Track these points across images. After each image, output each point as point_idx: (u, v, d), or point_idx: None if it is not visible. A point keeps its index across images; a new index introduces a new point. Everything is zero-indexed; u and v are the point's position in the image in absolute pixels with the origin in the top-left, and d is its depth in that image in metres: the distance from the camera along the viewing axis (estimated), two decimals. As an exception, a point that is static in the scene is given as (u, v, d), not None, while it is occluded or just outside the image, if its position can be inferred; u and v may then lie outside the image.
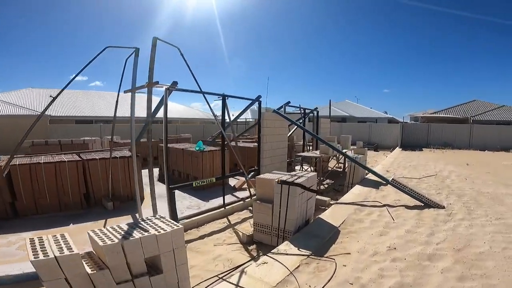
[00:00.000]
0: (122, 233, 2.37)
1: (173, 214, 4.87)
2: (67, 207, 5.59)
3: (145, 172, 10.23)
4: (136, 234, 2.37)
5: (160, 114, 5.41)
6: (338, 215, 4.82)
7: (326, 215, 4.85)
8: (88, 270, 2.10)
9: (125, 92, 4.87)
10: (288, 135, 10.16)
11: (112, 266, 2.17)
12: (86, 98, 24.88)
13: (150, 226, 2.59)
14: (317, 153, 8.69)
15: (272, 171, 7.61)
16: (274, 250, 3.57)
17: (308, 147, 10.97)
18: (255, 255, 3.91)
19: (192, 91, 5.29)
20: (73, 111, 21.39)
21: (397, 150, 18.07)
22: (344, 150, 9.91)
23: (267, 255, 3.41)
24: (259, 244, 4.25)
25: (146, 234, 2.39)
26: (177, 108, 27.62)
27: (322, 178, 9.12)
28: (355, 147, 11.96)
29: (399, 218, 4.58)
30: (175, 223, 2.68)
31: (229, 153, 8.05)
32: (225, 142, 6.30)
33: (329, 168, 10.23)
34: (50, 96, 20.88)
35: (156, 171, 10.19)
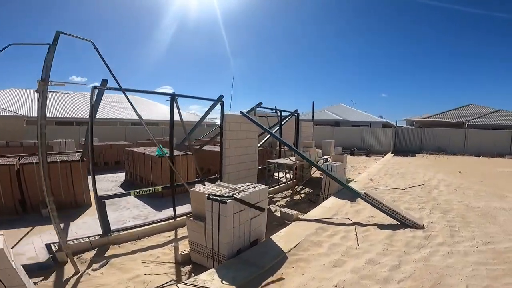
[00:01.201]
0: None
1: (105, 227, 4.33)
2: (-1, 212, 5.03)
3: (112, 177, 9.59)
4: None
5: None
6: (294, 236, 3.99)
7: (279, 236, 4.02)
8: None
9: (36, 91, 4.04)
10: (266, 139, 9.37)
11: None
12: (72, 99, 24.07)
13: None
14: (292, 160, 7.88)
15: (237, 179, 6.87)
16: (191, 280, 2.86)
17: (289, 153, 10.16)
18: (183, 279, 3.21)
19: (123, 89, 4.48)
20: (55, 112, 20.60)
21: (389, 155, 17.29)
22: (325, 157, 9.12)
23: (178, 285, 2.72)
24: (196, 266, 3.57)
25: None
26: (162, 110, 26.78)
27: (298, 187, 8.32)
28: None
29: (365, 242, 3.75)
30: None
31: (193, 158, 7.32)
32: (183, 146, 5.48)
33: (312, 175, 9.43)
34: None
35: (122, 176, 9.43)
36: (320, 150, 9.10)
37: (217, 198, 3.24)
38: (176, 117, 5.66)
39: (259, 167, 8.23)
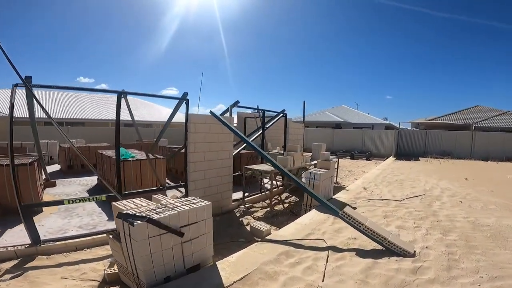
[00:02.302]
0: None
1: (33, 236, 3.90)
2: None
3: (85, 181, 8.87)
4: None
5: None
6: (247, 263, 3.13)
7: (229, 262, 3.17)
8: None
9: None
10: (255, 137, 8.53)
11: None
12: (64, 99, 23.59)
13: None
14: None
15: (207, 187, 6.05)
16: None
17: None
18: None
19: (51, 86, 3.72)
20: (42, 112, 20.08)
21: (390, 159, 16.28)
22: (314, 162, 8.23)
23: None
24: (124, 287, 3.01)
25: None
26: (161, 112, 26.19)
27: (284, 196, 7.44)
28: (332, 157, 10.13)
29: (333, 277, 2.87)
30: None
31: (162, 161, 6.58)
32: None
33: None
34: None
35: (95, 179, 8.72)
36: (308, 155, 8.22)
37: (127, 218, 2.44)
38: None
39: (239, 173, 7.41)
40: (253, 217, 6.01)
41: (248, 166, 6.73)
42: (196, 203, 3.11)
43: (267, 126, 8.99)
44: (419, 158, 16.68)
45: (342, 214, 3.75)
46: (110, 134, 17.68)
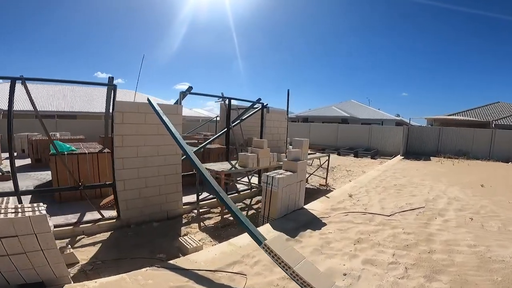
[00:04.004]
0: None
1: None
2: None
3: (43, 175, 8.02)
4: None
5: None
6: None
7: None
8: None
9: None
10: (218, 135, 7.29)
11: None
12: (56, 92, 23.08)
13: None
14: (231, 164, 5.74)
15: (143, 187, 4.89)
16: None
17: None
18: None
19: None
20: (39, 106, 19.61)
21: (397, 158, 14.66)
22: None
23: None
24: None
25: None
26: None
27: (254, 200, 6.17)
28: (320, 153, 8.72)
29: None
30: None
31: (106, 157, 5.58)
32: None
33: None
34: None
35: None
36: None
37: None
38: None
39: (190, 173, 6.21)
40: (200, 226, 4.82)
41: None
42: (23, 212, 1.99)
43: (243, 118, 7.73)
44: (430, 157, 14.94)
45: (264, 248, 2.48)
46: (100, 127, 17.06)
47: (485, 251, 3.48)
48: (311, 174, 8.85)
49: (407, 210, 5.18)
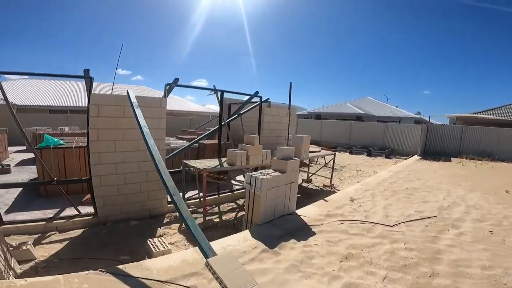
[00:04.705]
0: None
1: None
2: None
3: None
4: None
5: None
6: None
7: None
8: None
9: None
10: (212, 131, 6.87)
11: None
12: (69, 87, 23.57)
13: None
14: (213, 161, 5.30)
15: (122, 184, 4.57)
16: None
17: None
18: None
19: None
20: (49, 100, 20.09)
21: (414, 158, 13.71)
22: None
23: None
24: None
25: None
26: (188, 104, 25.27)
27: (237, 203, 5.74)
28: (330, 151, 8.01)
29: None
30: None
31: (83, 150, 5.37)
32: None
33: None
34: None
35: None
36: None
37: None
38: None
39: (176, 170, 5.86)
40: (180, 227, 4.44)
41: (186, 161, 5.11)
42: None
43: (241, 112, 7.28)
44: (451, 158, 13.86)
45: (207, 266, 2.04)
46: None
47: (502, 274, 2.86)
48: (313, 174, 8.28)
49: (414, 220, 4.55)
